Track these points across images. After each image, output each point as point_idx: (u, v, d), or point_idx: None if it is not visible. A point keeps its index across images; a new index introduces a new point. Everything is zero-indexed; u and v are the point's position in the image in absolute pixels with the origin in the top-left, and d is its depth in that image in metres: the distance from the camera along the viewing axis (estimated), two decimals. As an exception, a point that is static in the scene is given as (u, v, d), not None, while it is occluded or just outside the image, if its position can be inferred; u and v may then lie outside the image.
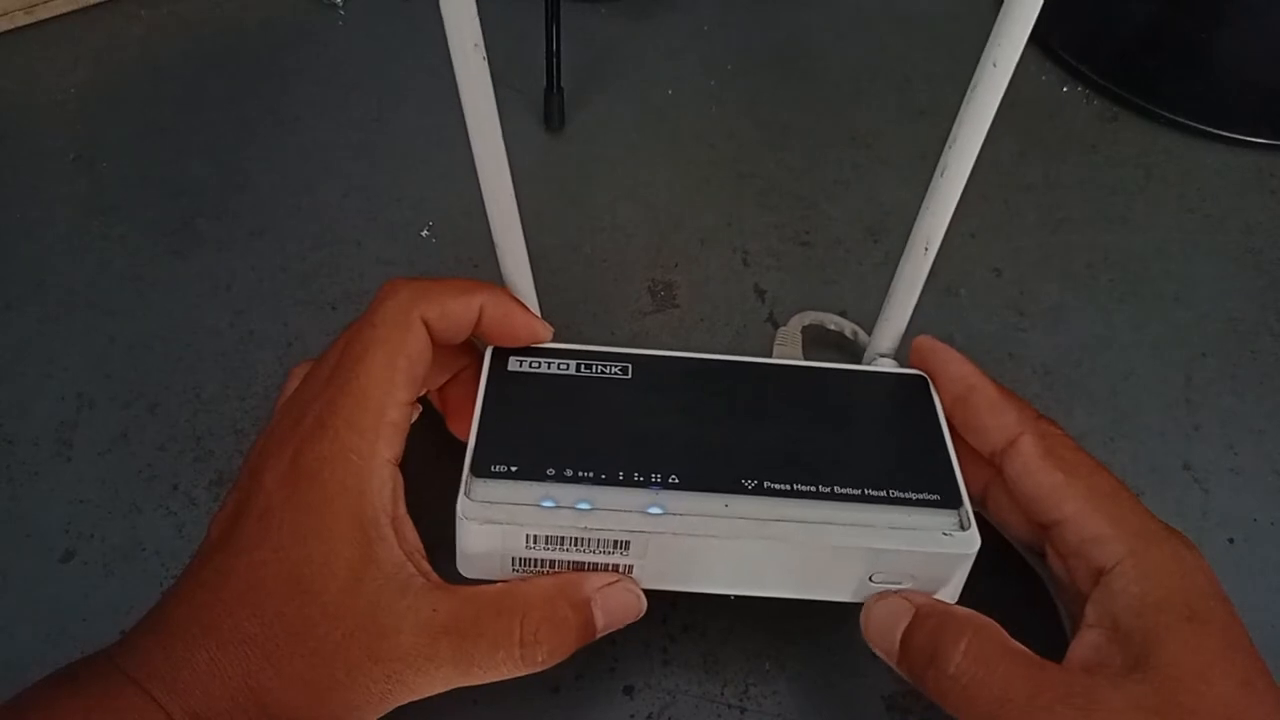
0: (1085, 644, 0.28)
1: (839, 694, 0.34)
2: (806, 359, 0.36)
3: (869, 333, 0.35)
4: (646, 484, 0.29)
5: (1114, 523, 0.28)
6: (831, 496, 0.29)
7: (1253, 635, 0.27)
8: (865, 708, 0.34)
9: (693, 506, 0.29)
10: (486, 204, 0.29)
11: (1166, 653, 0.26)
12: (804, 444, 0.31)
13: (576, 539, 0.28)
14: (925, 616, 0.29)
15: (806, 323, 0.38)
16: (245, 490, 0.28)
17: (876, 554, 0.29)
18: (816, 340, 0.39)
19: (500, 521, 0.28)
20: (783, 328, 0.37)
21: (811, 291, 0.42)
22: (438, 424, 0.34)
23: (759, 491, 0.29)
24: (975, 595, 0.30)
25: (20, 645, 0.33)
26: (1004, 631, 0.28)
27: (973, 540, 0.29)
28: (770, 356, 0.36)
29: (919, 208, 0.30)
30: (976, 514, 0.33)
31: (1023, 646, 0.27)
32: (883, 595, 0.30)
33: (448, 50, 0.26)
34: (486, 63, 0.26)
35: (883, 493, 0.29)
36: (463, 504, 0.28)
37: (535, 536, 0.28)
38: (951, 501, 0.30)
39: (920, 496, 0.30)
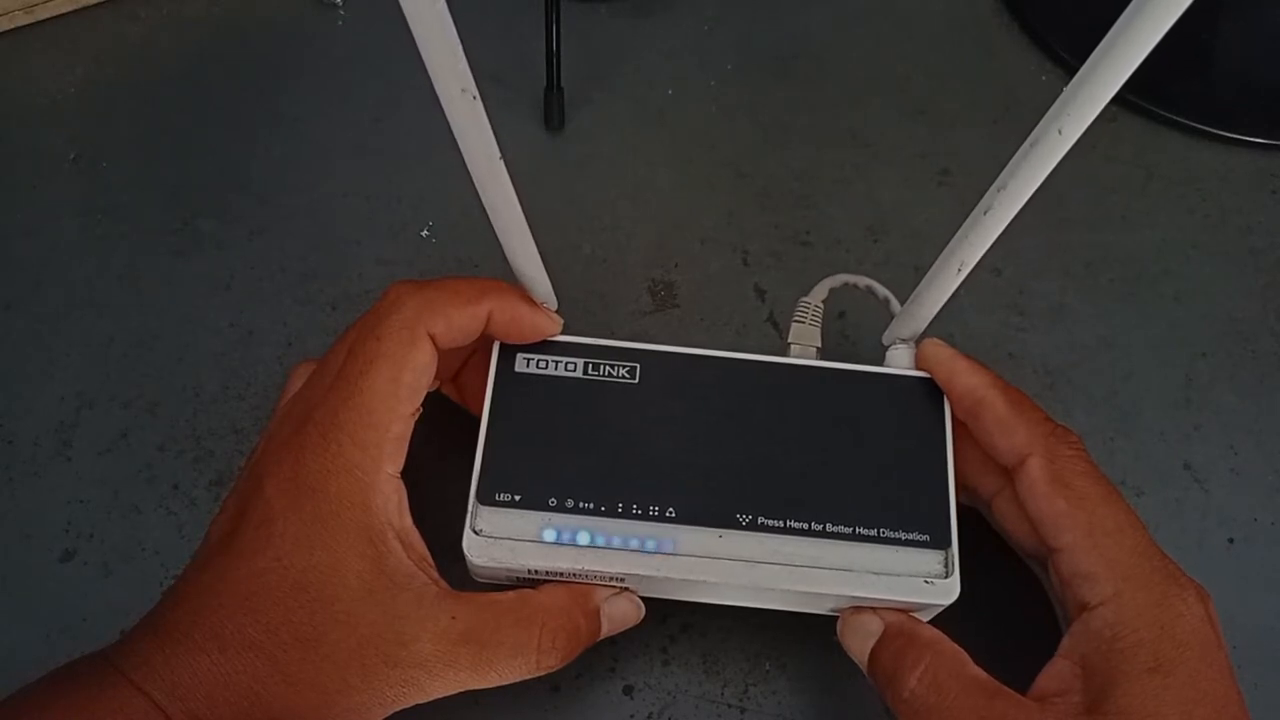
0: (1052, 674, 0.28)
1: (839, 694, 0.34)
2: (824, 341, 0.35)
3: (898, 299, 0.35)
4: (645, 516, 0.30)
5: (1107, 562, 0.28)
6: (822, 534, 0.30)
7: (1252, 636, 0.27)
8: (865, 708, 0.34)
9: (688, 542, 0.30)
10: (492, 217, 0.28)
11: (1122, 700, 0.26)
12: (804, 467, 0.31)
13: (575, 573, 0.30)
14: (892, 637, 0.29)
15: (837, 285, 0.36)
16: (245, 495, 0.28)
17: (856, 599, 0.30)
18: (832, 313, 0.38)
19: (503, 561, 0.29)
20: (804, 298, 0.36)
21: (811, 291, 0.42)
22: (443, 422, 0.34)
23: (753, 527, 0.30)
24: (975, 594, 0.30)
25: (20, 645, 0.33)
26: (966, 658, 0.28)
27: (951, 590, 0.30)
28: (786, 337, 0.35)
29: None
30: (973, 510, 0.34)
31: (983, 674, 0.28)
32: (858, 610, 0.31)
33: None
34: (478, 102, 0.24)
35: (873, 531, 0.30)
36: (468, 539, 0.30)
37: (536, 570, 0.30)
38: (940, 542, 0.30)
39: (910, 536, 0.30)
